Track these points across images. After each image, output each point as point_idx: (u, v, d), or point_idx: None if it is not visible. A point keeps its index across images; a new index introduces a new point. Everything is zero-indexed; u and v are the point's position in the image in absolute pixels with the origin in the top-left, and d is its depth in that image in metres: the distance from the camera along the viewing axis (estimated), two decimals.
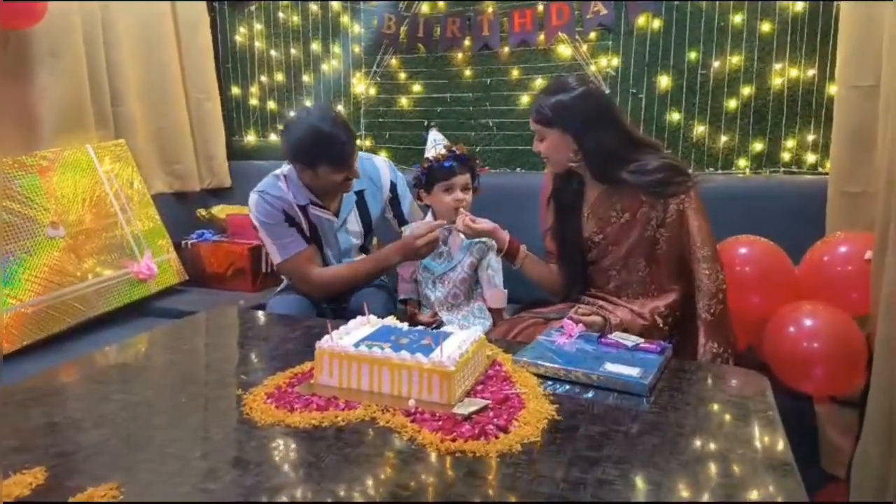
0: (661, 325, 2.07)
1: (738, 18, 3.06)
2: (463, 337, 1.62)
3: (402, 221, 2.75)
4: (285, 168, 2.56)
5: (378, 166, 2.72)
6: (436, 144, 2.51)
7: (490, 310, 2.52)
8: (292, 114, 3.97)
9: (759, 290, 2.34)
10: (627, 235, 2.16)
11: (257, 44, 4.09)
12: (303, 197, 2.52)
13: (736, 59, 3.09)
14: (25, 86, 3.12)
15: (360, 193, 2.65)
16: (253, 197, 2.52)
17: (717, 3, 3.08)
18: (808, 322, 2.19)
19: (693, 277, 2.08)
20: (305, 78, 3.98)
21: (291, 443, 1.32)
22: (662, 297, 2.12)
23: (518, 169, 3.57)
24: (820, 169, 2.99)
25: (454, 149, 2.47)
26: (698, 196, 2.11)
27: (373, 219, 2.70)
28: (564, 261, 2.33)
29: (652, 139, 2.27)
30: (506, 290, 2.52)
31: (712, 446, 1.31)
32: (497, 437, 1.30)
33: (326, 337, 1.59)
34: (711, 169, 3.19)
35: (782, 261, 2.40)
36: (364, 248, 2.75)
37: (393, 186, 2.73)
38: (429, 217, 2.59)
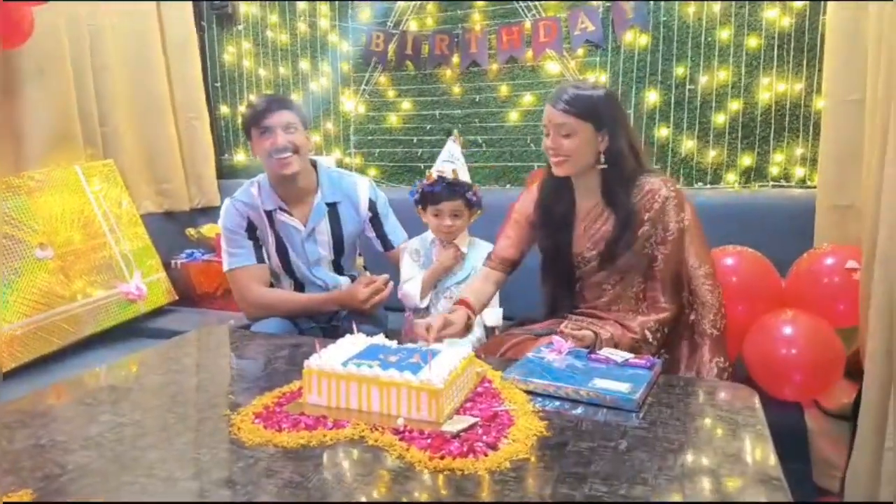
0: (650, 340, 2.05)
1: (725, 34, 3.08)
2: (451, 354, 1.61)
3: (385, 241, 2.74)
4: (261, 175, 2.62)
5: (356, 183, 2.70)
6: (443, 161, 2.45)
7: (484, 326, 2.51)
8: None
9: (745, 301, 2.34)
10: (625, 251, 2.11)
11: (246, 63, 4.10)
12: (270, 202, 2.56)
13: (723, 74, 3.11)
14: (13, 105, 3.12)
15: (332, 206, 2.63)
16: (225, 202, 2.59)
17: (704, 18, 3.10)
18: (785, 330, 2.22)
19: (685, 295, 2.08)
20: (294, 96, 3.98)
21: (280, 463, 1.31)
22: (653, 313, 2.09)
23: (507, 185, 3.58)
24: (808, 183, 3.01)
25: (445, 174, 2.41)
26: (695, 214, 2.09)
27: (346, 234, 2.67)
28: (552, 277, 2.28)
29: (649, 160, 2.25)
30: (501, 309, 2.51)
31: (702, 461, 1.30)
32: (486, 455, 1.30)
33: (315, 356, 1.59)
34: (700, 184, 3.21)
35: (769, 271, 2.41)
36: (337, 264, 2.72)
37: (373, 205, 2.70)
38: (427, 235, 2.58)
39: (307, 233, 2.59)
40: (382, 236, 2.74)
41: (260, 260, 2.58)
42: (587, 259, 2.17)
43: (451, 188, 2.41)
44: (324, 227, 2.63)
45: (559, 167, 2.08)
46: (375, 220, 2.72)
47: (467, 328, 2.08)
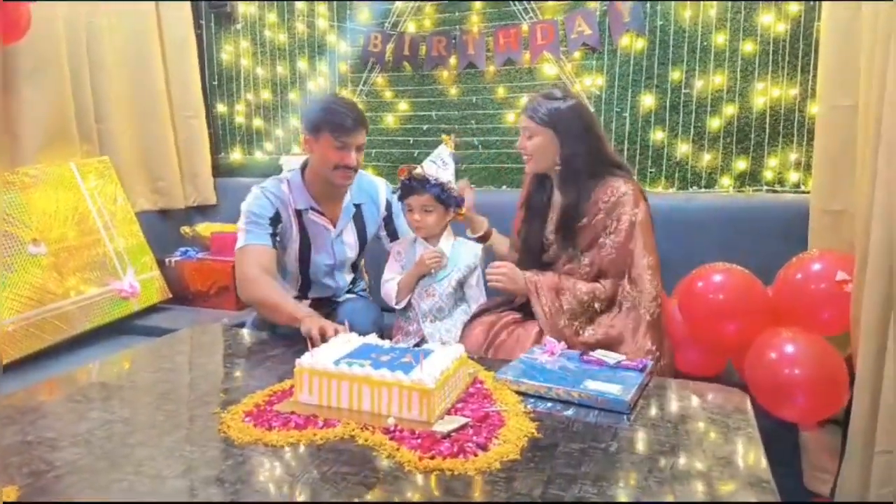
0: (572, 300, 2.23)
1: (720, 38, 3.08)
2: (444, 354, 1.61)
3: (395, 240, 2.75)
4: (288, 173, 2.60)
5: (376, 184, 2.73)
6: (428, 160, 2.47)
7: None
8: (280, 133, 4.02)
9: (733, 317, 2.31)
10: (582, 236, 2.31)
11: (244, 62, 4.10)
12: (303, 202, 2.53)
13: (719, 79, 3.12)
14: (9, 102, 3.11)
15: (358, 207, 2.65)
16: (254, 190, 2.52)
17: (700, 22, 3.11)
18: (788, 349, 2.16)
19: (622, 284, 2.26)
20: (292, 96, 3.99)
21: (269, 462, 1.31)
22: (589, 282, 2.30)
23: (504, 187, 3.58)
24: (802, 187, 3.01)
25: (414, 170, 2.47)
26: (648, 212, 2.29)
27: (368, 235, 2.70)
28: (525, 262, 2.42)
29: (622, 161, 2.43)
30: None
31: (692, 464, 1.30)
32: (476, 455, 1.30)
33: (307, 354, 1.59)
34: (695, 187, 3.21)
35: (753, 285, 2.36)
36: (355, 265, 2.75)
37: (388, 205, 2.73)
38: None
39: (336, 233, 2.60)
40: (393, 234, 2.75)
41: (272, 245, 2.50)
42: (551, 241, 2.40)
43: (420, 183, 2.44)
44: (350, 228, 2.65)
45: (527, 165, 2.41)
46: (389, 220, 2.75)
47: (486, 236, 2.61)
